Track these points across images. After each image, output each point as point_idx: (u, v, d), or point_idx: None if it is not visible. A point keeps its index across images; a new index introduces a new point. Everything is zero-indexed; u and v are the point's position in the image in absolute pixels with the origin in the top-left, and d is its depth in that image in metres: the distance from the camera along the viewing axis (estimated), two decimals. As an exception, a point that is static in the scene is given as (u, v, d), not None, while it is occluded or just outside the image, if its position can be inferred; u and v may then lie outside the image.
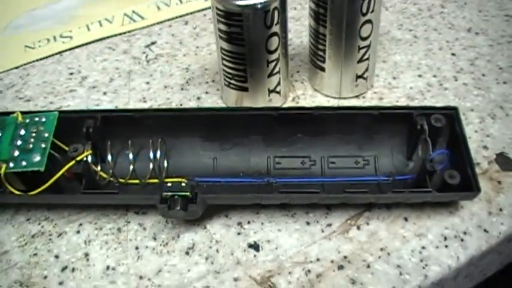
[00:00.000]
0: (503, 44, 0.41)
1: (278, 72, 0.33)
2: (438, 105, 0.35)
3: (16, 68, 0.41)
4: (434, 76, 0.38)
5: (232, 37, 0.31)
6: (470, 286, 0.31)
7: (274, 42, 0.32)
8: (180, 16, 0.43)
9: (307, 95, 0.36)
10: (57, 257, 0.29)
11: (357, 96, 0.36)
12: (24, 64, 0.41)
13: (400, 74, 0.38)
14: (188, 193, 0.27)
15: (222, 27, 0.31)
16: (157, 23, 0.43)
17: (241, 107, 0.34)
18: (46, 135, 0.30)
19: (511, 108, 0.35)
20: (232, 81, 0.34)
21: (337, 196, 0.28)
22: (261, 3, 0.30)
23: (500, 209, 0.30)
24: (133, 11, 0.44)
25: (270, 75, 0.33)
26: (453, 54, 0.40)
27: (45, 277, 0.28)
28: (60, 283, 0.28)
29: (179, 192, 0.27)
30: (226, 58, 0.33)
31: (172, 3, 0.44)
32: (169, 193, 0.27)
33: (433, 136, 0.30)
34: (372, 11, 0.32)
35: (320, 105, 0.35)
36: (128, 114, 0.31)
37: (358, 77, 0.35)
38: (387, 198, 0.28)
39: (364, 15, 0.32)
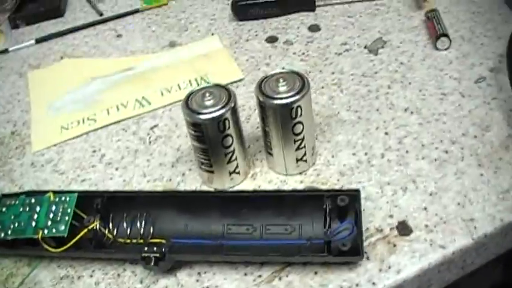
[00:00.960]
0: (431, 122, 0.53)
1: (236, 159, 0.48)
2: (362, 180, 0.48)
3: (54, 145, 0.57)
4: (366, 154, 0.51)
5: (197, 138, 0.46)
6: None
7: (229, 140, 0.46)
8: (179, 101, 0.58)
9: (263, 172, 0.50)
10: (76, 294, 0.45)
11: (300, 173, 0.50)
12: (60, 142, 0.57)
13: (338, 153, 0.51)
14: (158, 254, 0.42)
15: (190, 131, 0.46)
16: (161, 107, 0.58)
17: (203, 190, 0.49)
18: (69, 210, 0.45)
19: (421, 182, 0.48)
20: (202, 166, 0.48)
21: (261, 257, 0.42)
22: (215, 116, 0.45)
23: (389, 267, 0.42)
24: (142, 97, 0.59)
25: (229, 162, 0.47)
26: (386, 134, 0.52)
27: (68, 309, 0.44)
28: (77, 313, 0.43)
29: (153, 254, 0.42)
30: (196, 150, 0.47)
31: (172, 90, 0.60)
32: (147, 254, 0.42)
33: (342, 211, 0.43)
34: (301, 115, 0.46)
35: (258, 189, 0.49)
36: (126, 195, 0.47)
37: (299, 160, 0.49)
38: (297, 259, 0.42)
39: (294, 119, 0.46)
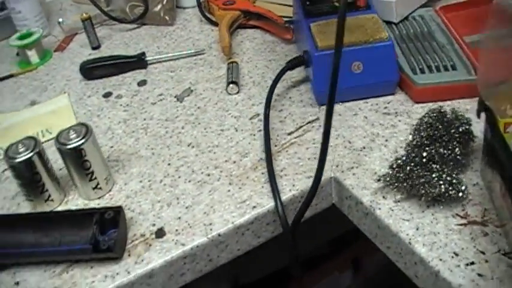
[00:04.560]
0: (205, 153, 0.75)
1: (47, 190, 0.71)
2: (141, 200, 0.71)
3: None
4: (149, 181, 0.73)
5: (14, 176, 0.69)
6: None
7: (38, 177, 0.69)
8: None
9: (74, 199, 0.73)
10: None
11: (99, 198, 0.72)
12: None
13: (130, 181, 0.74)
14: (-19, 261, 0.65)
15: (11, 172, 0.69)
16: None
17: (23, 213, 0.72)
18: None
19: (183, 199, 0.70)
20: (25, 197, 0.71)
21: (53, 258, 0.65)
22: (22, 160, 0.68)
23: (142, 260, 0.65)
24: (0, 148, 0.83)
25: (42, 192, 0.70)
26: (169, 164, 0.75)
27: None
28: None
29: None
30: (18, 185, 0.71)
31: (24, 140, 0.83)
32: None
33: (108, 222, 0.66)
34: (86, 155, 0.69)
35: (56, 211, 0.71)
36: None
37: (94, 188, 0.71)
38: (76, 258, 0.65)
39: (81, 158, 0.69)
